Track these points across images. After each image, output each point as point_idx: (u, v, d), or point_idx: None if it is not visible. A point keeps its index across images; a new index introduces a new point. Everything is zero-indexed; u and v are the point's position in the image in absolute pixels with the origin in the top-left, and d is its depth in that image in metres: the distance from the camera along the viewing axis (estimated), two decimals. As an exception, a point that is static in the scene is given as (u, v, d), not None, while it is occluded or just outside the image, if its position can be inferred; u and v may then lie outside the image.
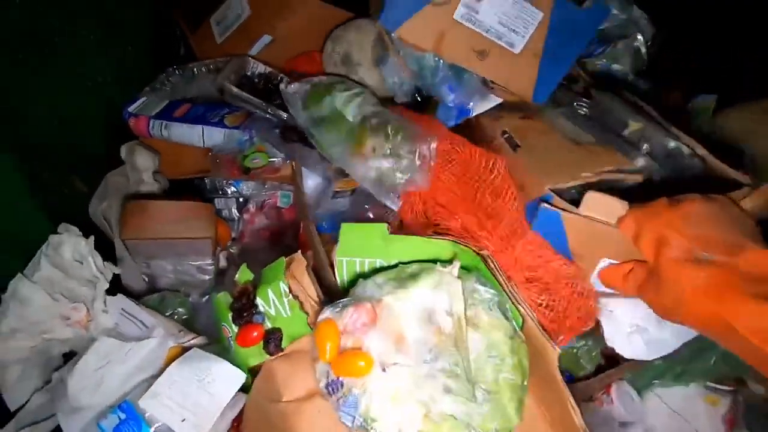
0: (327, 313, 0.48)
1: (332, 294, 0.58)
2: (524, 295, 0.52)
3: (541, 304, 0.52)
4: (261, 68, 0.85)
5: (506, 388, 0.43)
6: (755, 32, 0.81)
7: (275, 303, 0.56)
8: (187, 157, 0.85)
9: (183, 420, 0.57)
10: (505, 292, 0.51)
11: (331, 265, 0.59)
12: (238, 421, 0.63)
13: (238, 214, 0.94)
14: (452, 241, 0.55)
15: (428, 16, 0.58)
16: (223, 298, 0.62)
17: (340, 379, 0.45)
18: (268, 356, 0.57)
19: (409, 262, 0.54)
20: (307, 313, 0.54)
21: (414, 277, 0.48)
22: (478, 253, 0.53)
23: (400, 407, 0.42)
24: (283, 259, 0.59)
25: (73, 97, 0.80)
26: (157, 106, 0.85)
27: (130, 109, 0.84)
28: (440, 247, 0.55)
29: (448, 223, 0.59)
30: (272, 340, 0.56)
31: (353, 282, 0.57)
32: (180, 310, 0.79)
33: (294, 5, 0.77)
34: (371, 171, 0.63)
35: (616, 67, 0.83)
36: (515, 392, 0.44)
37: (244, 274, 0.62)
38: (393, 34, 0.63)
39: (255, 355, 0.58)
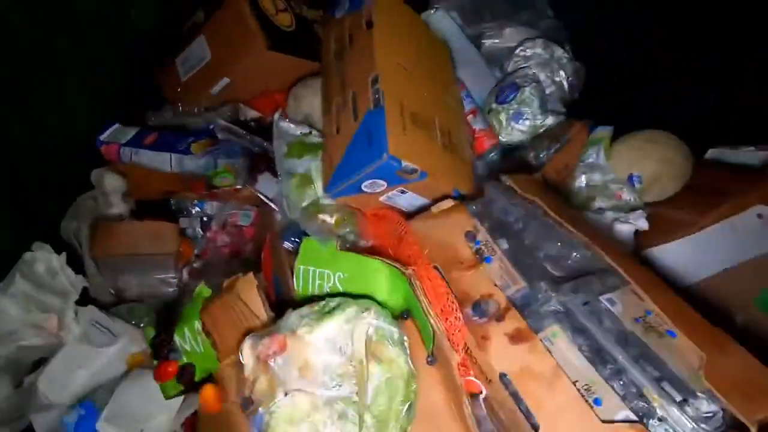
0: (249, 340, 0.55)
1: (287, 303, 0.66)
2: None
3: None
4: (253, 113, 0.95)
5: (393, 416, 0.51)
6: (755, 32, 0.82)
7: (190, 340, 0.65)
8: (154, 180, 0.93)
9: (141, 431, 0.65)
10: (422, 309, 0.58)
11: (292, 273, 0.69)
12: (190, 421, 0.72)
13: (201, 232, 1.01)
14: (382, 260, 0.64)
15: (360, 198, 0.73)
16: (149, 331, 0.70)
17: (251, 397, 0.52)
18: (182, 388, 0.66)
19: (339, 294, 0.63)
20: (217, 350, 0.62)
21: (332, 311, 0.55)
22: (403, 273, 0.62)
23: (294, 427, 0.49)
24: (201, 300, 0.68)
25: (47, 123, 0.87)
26: (127, 134, 0.93)
27: (102, 137, 0.92)
28: (375, 274, 0.64)
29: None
30: (185, 373, 0.64)
31: (306, 292, 0.67)
32: (145, 319, 0.87)
33: (248, 54, 0.87)
34: (317, 233, 0.73)
35: (524, 109, 0.95)
36: (398, 420, 0.51)
37: (202, 291, 0.71)
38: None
39: (173, 387, 0.67)
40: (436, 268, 0.63)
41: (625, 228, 0.83)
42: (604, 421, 0.45)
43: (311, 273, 0.68)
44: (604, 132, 0.91)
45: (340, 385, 0.52)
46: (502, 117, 0.99)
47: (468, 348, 0.57)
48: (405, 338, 0.56)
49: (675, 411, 0.45)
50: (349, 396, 0.51)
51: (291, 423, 0.49)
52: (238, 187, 0.94)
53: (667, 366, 0.48)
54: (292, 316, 0.57)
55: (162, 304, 0.90)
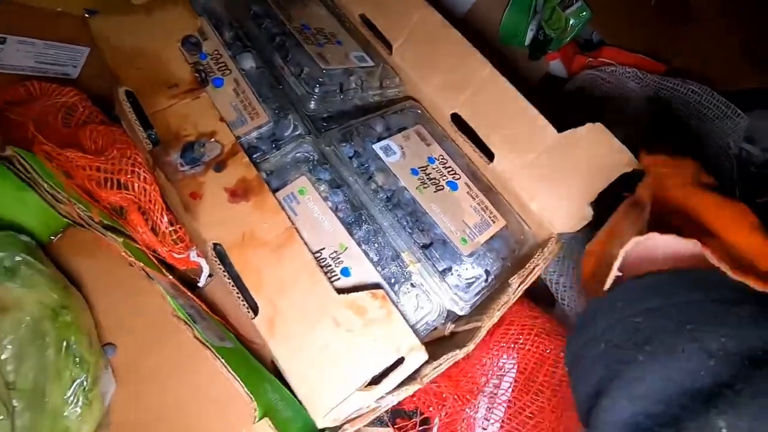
0: None
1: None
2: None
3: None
4: None
5: (52, 375, 0.29)
6: None
7: None
8: None
9: None
10: (41, 195, 0.35)
11: None
12: None
13: None
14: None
15: None
16: None
17: None
18: None
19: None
20: None
21: None
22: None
23: None
24: None
25: None
26: None
27: None
28: None
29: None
30: None
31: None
32: None
33: None
34: None
35: None
36: (61, 376, 0.30)
37: None
38: None
39: None
40: (128, 93, 0.38)
41: None
42: (339, 291, 0.33)
43: None
44: None
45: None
46: None
47: (174, 212, 0.37)
48: (24, 257, 0.31)
49: (435, 280, 0.37)
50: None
51: None
52: None
53: (437, 228, 0.39)
54: None
55: None
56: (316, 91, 0.41)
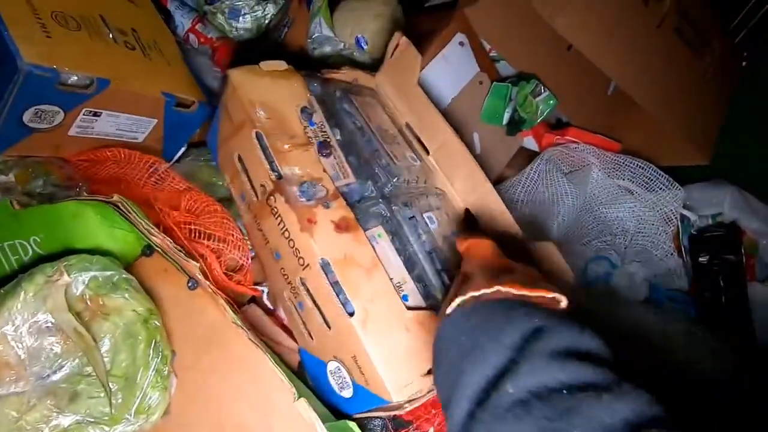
0: None
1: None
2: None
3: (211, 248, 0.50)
4: None
5: (141, 365, 0.40)
6: None
7: None
8: None
9: None
10: (141, 230, 0.47)
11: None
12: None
13: None
14: (78, 200, 0.47)
15: (38, 139, 0.53)
16: None
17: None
18: None
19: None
20: None
21: (12, 290, 0.39)
22: (107, 202, 0.47)
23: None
24: None
25: None
26: None
27: None
28: (74, 220, 0.47)
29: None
30: None
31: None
32: None
33: None
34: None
35: (238, 3, 0.83)
36: (148, 366, 0.40)
37: None
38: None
39: None
40: (257, 134, 0.51)
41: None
42: (409, 308, 0.46)
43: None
44: (317, 2, 0.83)
45: (61, 366, 0.37)
46: (220, 18, 0.86)
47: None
48: (126, 276, 0.42)
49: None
50: (79, 371, 0.37)
51: (-10, 443, 0.34)
52: None
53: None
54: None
55: None
56: (393, 181, 0.57)
